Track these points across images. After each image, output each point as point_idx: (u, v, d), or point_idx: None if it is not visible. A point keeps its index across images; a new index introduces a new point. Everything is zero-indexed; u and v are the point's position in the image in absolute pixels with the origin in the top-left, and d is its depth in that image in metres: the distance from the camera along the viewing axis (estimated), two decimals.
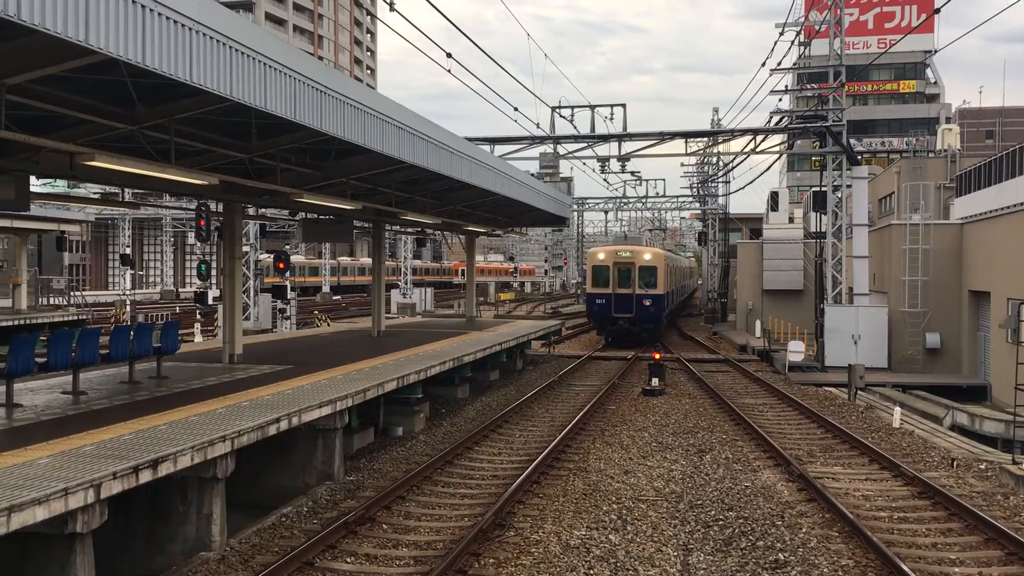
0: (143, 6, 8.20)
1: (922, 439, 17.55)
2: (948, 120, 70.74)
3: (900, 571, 9.42)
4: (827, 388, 25.16)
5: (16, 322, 32.83)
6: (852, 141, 38.41)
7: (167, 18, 8.57)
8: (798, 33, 35.24)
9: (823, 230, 31.79)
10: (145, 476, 8.83)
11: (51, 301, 45.28)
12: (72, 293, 53.01)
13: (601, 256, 37.13)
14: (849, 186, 31.10)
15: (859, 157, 35.43)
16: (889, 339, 29.90)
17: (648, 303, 35.61)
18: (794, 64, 38.07)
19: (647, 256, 36.68)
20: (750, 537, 10.91)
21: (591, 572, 9.65)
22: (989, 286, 27.75)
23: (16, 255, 39.64)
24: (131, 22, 8.05)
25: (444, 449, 15.56)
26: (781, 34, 34.13)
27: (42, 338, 13.85)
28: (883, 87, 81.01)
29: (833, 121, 30.15)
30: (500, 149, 31.00)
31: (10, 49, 8.61)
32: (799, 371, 28.12)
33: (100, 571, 8.53)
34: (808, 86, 40.41)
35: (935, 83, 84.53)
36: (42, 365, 12.10)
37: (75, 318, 36.97)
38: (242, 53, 10.01)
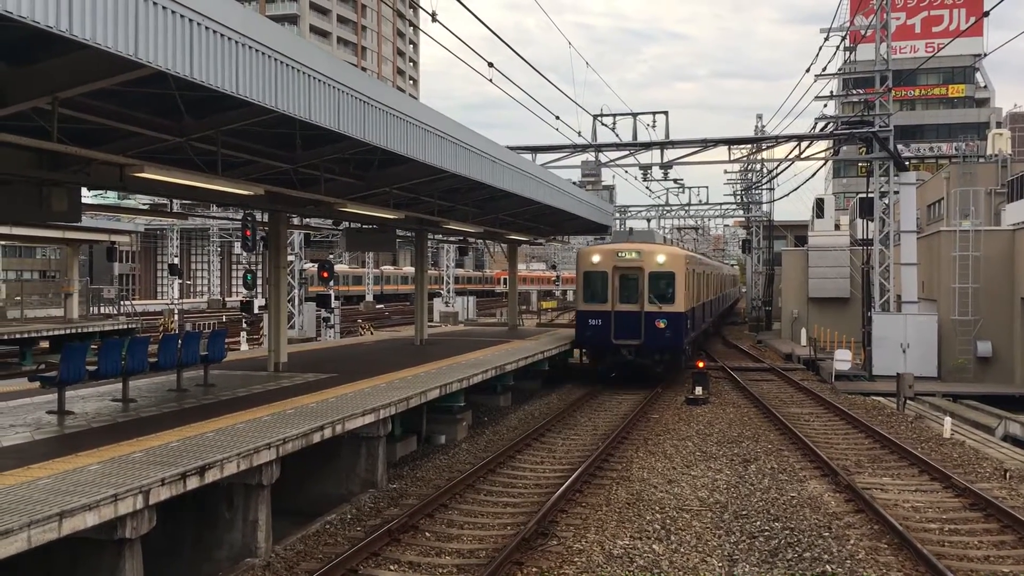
0: (191, 20, 8.35)
1: (973, 449, 17.18)
2: (999, 124, 69.46)
3: None
4: (875, 397, 24.75)
5: (68, 331, 33.53)
6: (900, 146, 37.85)
7: (214, 31, 8.71)
8: (843, 38, 34.84)
9: (870, 237, 31.33)
10: (192, 483, 8.95)
11: (102, 310, 46.14)
12: (122, 302, 53.97)
13: (596, 258, 26.58)
14: (897, 192, 30.62)
15: (907, 163, 34.89)
16: (939, 348, 29.35)
17: (662, 324, 25.42)
18: (840, 69, 37.56)
19: (660, 258, 26.03)
20: (796, 548, 10.76)
21: None
22: None
23: (68, 265, 40.49)
24: (179, 36, 8.20)
25: (487, 457, 15.57)
26: (826, 39, 33.83)
27: (93, 347, 14.12)
28: (931, 92, 79.81)
29: (880, 126, 29.74)
30: (542, 158, 31.06)
31: (63, 64, 8.81)
32: (846, 380, 27.72)
33: None
34: (854, 91, 39.92)
35: (985, 87, 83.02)
36: (93, 373, 12.34)
37: (125, 327, 37.63)
38: (287, 65, 10.14)
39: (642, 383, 25.74)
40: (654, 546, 10.81)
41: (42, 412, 12.29)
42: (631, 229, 30.76)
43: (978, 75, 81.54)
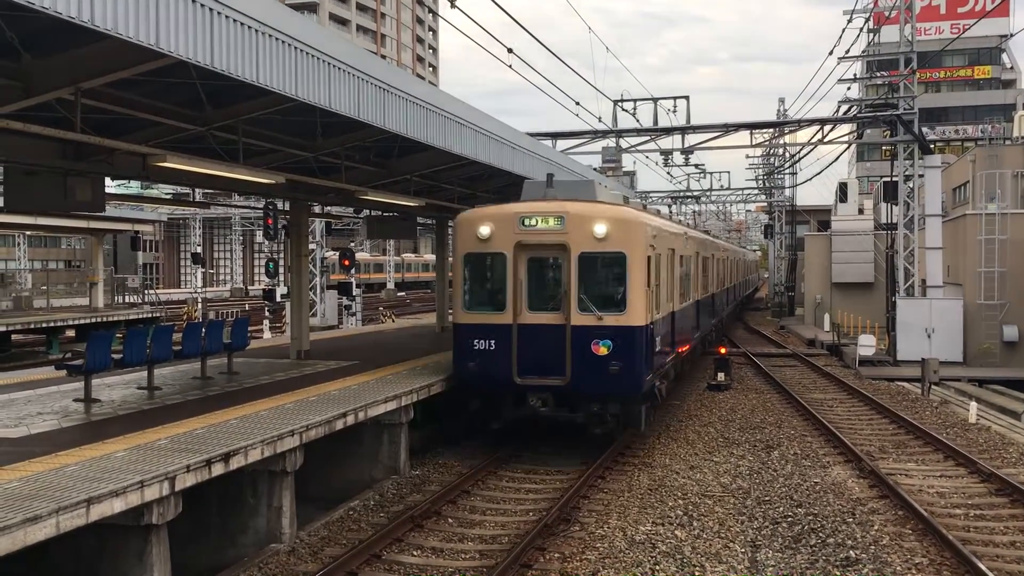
0: (211, 9, 8.37)
1: (999, 434, 17.03)
2: None
3: (977, 570, 9.17)
4: (899, 383, 24.58)
5: (93, 320, 33.88)
6: (924, 129, 37.40)
7: (234, 20, 8.73)
8: (867, 19, 34.35)
9: (894, 221, 31.03)
10: (217, 469, 9.04)
11: (126, 299, 46.58)
12: (146, 291, 54.43)
13: (485, 229, 14.61)
14: (921, 175, 30.31)
15: (932, 145, 34.50)
16: (964, 332, 29.07)
17: (604, 349, 13.92)
18: (863, 51, 37.08)
19: (599, 227, 14.11)
20: (820, 534, 10.72)
21: (657, 567, 9.59)
22: None
23: (93, 255, 40.87)
24: (199, 25, 8.22)
25: (508, 443, 15.57)
26: (849, 21, 33.41)
27: (118, 335, 14.26)
28: (956, 73, 78.68)
29: (904, 109, 29.42)
30: (562, 144, 30.97)
31: (85, 54, 8.87)
32: (870, 365, 27.54)
33: (175, 562, 8.75)
34: (878, 74, 39.45)
35: (1011, 68, 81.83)
36: (118, 361, 12.46)
37: (149, 316, 38.00)
38: (307, 53, 10.15)
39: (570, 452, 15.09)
40: (676, 532, 10.80)
41: (69, 400, 12.43)
42: (550, 176, 16.16)
43: (1004, 56, 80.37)
